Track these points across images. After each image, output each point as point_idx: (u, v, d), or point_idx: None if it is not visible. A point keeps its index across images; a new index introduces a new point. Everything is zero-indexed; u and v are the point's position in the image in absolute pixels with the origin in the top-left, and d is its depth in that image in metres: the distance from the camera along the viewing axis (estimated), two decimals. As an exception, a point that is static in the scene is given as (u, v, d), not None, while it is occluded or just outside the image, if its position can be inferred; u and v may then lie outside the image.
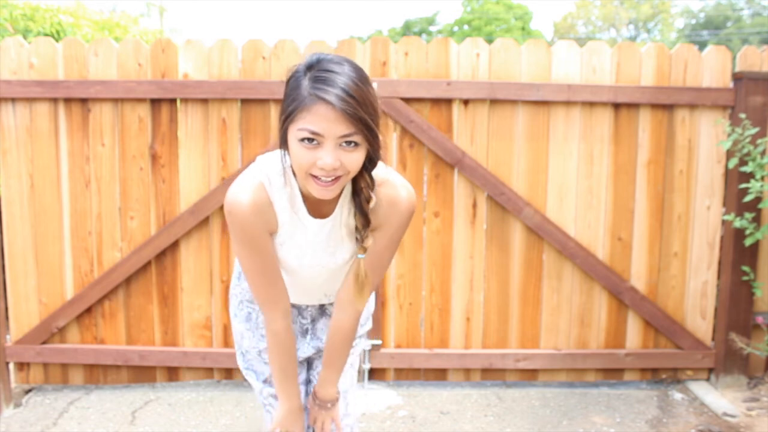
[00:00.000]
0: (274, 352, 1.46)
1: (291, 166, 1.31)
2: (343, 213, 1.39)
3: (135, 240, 3.01)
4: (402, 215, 1.39)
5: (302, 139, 1.19)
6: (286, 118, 1.22)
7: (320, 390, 1.57)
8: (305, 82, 1.19)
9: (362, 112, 1.18)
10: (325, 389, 1.57)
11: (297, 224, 1.38)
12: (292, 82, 1.23)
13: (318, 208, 1.37)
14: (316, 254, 1.42)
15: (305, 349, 1.64)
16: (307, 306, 1.62)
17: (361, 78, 1.21)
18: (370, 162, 1.29)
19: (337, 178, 1.23)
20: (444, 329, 3.11)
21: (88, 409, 2.94)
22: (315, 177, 1.22)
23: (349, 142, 1.20)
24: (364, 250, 1.37)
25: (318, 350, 1.65)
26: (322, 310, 1.65)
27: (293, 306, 1.60)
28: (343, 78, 1.18)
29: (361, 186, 1.32)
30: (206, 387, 3.13)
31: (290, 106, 1.21)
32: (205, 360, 3.05)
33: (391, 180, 1.38)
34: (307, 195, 1.35)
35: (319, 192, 1.24)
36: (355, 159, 1.22)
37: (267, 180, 1.34)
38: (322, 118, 1.17)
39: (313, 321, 1.65)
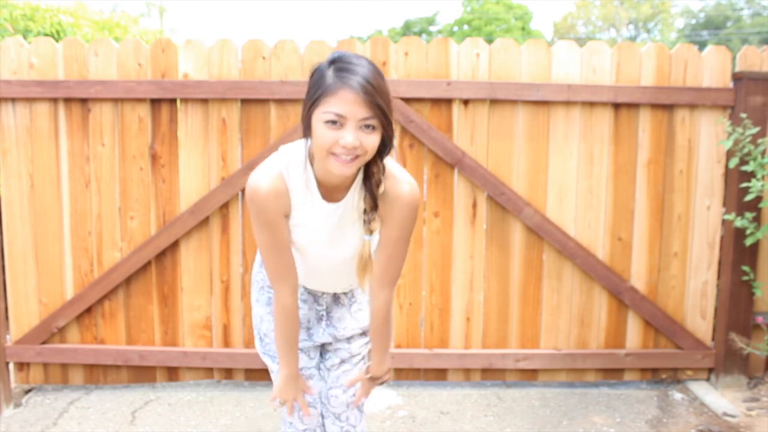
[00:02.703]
0: (280, 324, 1.59)
1: (309, 155, 1.45)
2: (355, 198, 1.49)
3: (135, 240, 3.01)
4: (405, 208, 1.49)
5: (327, 121, 1.33)
6: (312, 104, 1.36)
7: (373, 370, 1.72)
8: (329, 73, 1.34)
9: (379, 99, 1.33)
10: (376, 369, 1.72)
11: (311, 208, 1.49)
12: (317, 74, 1.38)
13: (331, 194, 1.49)
14: (329, 237, 1.53)
15: (321, 335, 1.76)
16: (323, 293, 1.74)
17: (377, 71, 1.36)
18: (383, 149, 1.41)
19: (355, 158, 1.36)
20: (444, 329, 3.11)
21: (88, 409, 2.94)
22: (335, 155, 1.35)
23: (368, 125, 1.34)
24: (371, 231, 1.48)
25: (335, 338, 1.76)
26: (336, 299, 1.76)
27: (310, 293, 1.73)
28: (363, 69, 1.34)
29: (372, 171, 1.44)
30: (206, 387, 3.13)
31: (316, 93, 1.35)
32: (205, 360, 3.05)
33: (396, 174, 1.49)
34: (321, 181, 1.47)
35: (338, 168, 1.36)
36: (372, 140, 1.36)
37: (286, 168, 1.47)
38: (345, 102, 1.32)
39: (328, 309, 1.76)
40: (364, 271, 1.51)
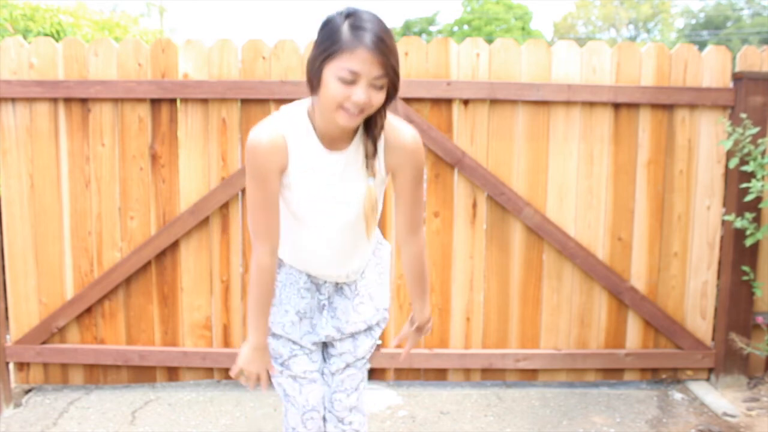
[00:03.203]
0: (254, 285, 1.59)
1: (310, 110, 1.49)
2: (358, 148, 1.53)
3: (135, 240, 3.01)
4: (412, 154, 1.55)
5: (341, 77, 1.36)
6: (326, 57, 1.37)
7: (417, 318, 1.77)
8: (345, 28, 1.36)
9: (392, 59, 1.38)
10: (419, 316, 1.77)
11: (314, 161, 1.51)
12: (331, 26, 1.38)
13: (333, 145, 1.52)
14: (334, 192, 1.54)
15: (324, 326, 1.72)
16: (325, 282, 1.71)
17: (389, 30, 1.40)
18: (386, 99, 1.45)
19: (362, 111, 1.40)
20: (444, 329, 3.11)
21: (88, 409, 2.94)
22: (344, 109, 1.40)
23: (378, 84, 1.38)
24: (374, 174, 1.52)
25: (339, 332, 1.72)
26: (338, 289, 1.74)
27: (312, 282, 1.71)
28: (377, 28, 1.36)
29: (375, 120, 1.49)
30: (206, 387, 3.13)
31: (332, 47, 1.36)
32: (205, 360, 3.05)
33: (396, 124, 1.54)
34: (323, 134, 1.50)
35: (345, 120, 1.41)
36: (380, 97, 1.41)
37: (286, 124, 1.50)
38: (361, 61, 1.34)
39: (330, 299, 1.74)
40: (372, 213, 1.55)
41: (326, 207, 1.56)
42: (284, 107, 1.55)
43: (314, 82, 1.41)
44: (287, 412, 1.75)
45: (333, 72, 1.36)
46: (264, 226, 1.54)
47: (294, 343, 1.71)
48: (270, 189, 1.51)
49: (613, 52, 2.97)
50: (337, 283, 1.73)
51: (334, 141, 1.50)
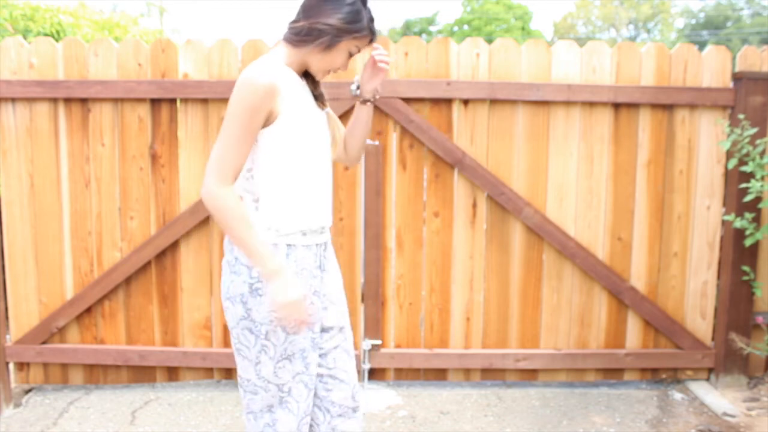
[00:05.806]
0: (235, 217, 1.51)
1: (284, 60, 1.64)
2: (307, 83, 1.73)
3: (135, 240, 3.01)
4: None
5: (351, 52, 1.64)
6: (353, 38, 1.60)
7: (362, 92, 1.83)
8: (364, 15, 1.61)
9: None
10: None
11: (300, 92, 1.65)
12: (356, 7, 1.59)
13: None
14: (315, 113, 1.68)
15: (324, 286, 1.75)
16: (325, 247, 1.75)
17: None
18: None
19: None
20: (444, 329, 3.11)
21: (88, 409, 2.94)
22: (330, 72, 1.67)
23: None
24: (324, 105, 1.74)
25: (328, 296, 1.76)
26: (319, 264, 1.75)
27: (320, 246, 1.71)
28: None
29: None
30: (206, 387, 3.13)
31: (361, 30, 1.59)
32: (205, 360, 3.05)
33: None
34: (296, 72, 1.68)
35: (322, 78, 1.69)
36: None
37: (278, 70, 1.60)
38: (367, 45, 1.66)
39: (323, 273, 1.76)
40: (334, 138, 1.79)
41: (317, 129, 1.66)
42: (263, 58, 1.63)
43: (325, 44, 1.59)
44: (277, 422, 1.67)
45: (348, 46, 1.61)
46: (233, 161, 1.51)
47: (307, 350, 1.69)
48: (252, 127, 1.53)
49: (613, 52, 2.97)
50: (320, 265, 1.75)
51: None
